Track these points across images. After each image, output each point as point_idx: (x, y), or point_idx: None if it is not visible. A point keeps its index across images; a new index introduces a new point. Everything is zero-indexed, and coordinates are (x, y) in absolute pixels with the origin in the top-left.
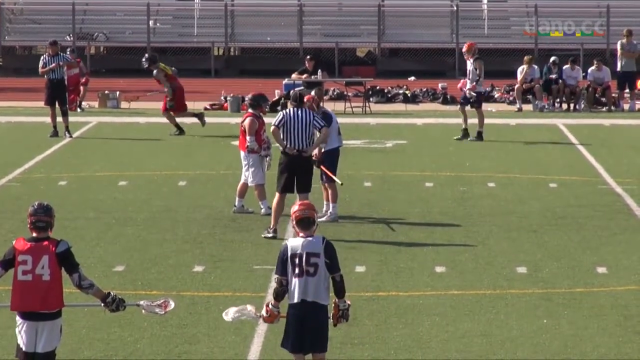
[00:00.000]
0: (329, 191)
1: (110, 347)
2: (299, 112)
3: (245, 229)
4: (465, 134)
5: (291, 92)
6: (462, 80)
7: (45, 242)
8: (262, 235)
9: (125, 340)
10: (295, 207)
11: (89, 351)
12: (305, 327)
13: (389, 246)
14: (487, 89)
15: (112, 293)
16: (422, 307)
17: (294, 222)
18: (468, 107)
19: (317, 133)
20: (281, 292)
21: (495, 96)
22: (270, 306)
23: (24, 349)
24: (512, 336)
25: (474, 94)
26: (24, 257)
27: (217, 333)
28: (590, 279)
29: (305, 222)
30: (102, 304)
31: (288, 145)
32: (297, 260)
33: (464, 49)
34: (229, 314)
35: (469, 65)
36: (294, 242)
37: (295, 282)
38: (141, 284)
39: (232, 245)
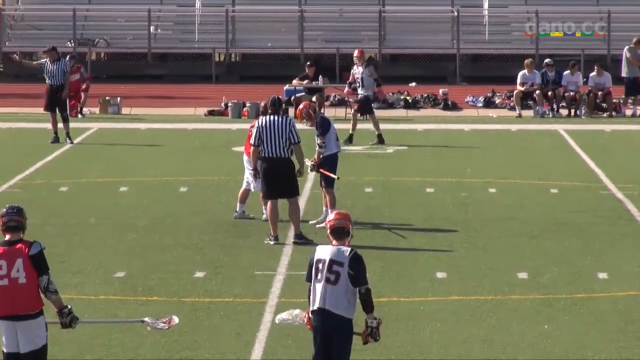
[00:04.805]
0: (327, 197)
1: (112, 352)
2: (275, 118)
3: (246, 235)
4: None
5: (270, 97)
6: (346, 89)
7: (19, 245)
8: (265, 242)
9: (126, 346)
10: (330, 216)
11: (90, 356)
12: (328, 339)
13: (390, 252)
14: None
15: (69, 306)
16: (423, 312)
17: (328, 231)
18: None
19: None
20: None
21: (496, 102)
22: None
23: (5, 350)
24: (513, 342)
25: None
26: None
27: (219, 339)
28: (591, 285)
29: (339, 232)
30: (57, 314)
31: (265, 155)
32: (320, 266)
33: (356, 55)
34: (282, 316)
35: (361, 72)
36: (322, 248)
37: (316, 288)
38: (142, 290)
39: (233, 251)
